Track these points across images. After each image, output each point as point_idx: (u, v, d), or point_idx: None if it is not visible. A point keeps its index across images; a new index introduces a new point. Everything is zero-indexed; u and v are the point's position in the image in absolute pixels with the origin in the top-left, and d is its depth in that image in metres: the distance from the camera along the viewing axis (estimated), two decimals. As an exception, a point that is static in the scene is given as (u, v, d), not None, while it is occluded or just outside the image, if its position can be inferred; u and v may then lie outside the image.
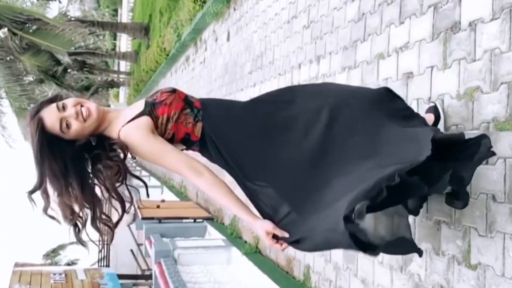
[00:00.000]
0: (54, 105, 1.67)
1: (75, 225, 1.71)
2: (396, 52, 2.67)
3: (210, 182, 1.71)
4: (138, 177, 1.89)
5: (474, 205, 2.02)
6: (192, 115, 1.78)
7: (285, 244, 1.69)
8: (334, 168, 1.66)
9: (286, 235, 1.67)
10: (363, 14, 3.06)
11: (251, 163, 1.77)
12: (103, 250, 20.68)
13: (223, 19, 7.16)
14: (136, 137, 1.70)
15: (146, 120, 1.72)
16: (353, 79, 3.12)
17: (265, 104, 1.88)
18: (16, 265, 4.87)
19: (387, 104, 1.85)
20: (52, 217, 1.69)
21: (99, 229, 1.72)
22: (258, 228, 1.71)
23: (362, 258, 2.96)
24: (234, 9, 6.56)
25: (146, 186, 1.95)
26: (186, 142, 1.83)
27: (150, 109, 1.74)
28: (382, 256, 2.74)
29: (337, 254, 3.28)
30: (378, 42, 2.87)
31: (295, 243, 1.66)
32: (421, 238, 2.39)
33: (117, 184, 1.72)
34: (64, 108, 1.67)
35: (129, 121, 1.72)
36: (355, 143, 1.68)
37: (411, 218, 2.43)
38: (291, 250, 4.08)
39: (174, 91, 1.79)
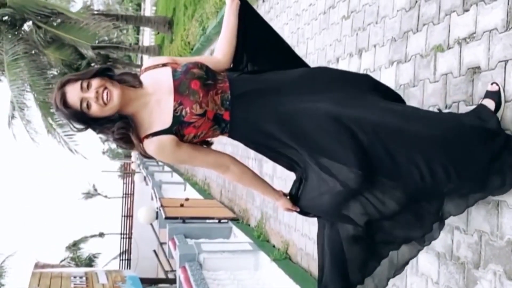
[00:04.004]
0: (79, 83, 1.64)
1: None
2: (458, 44, 2.34)
3: (236, 174, 1.85)
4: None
5: None
6: (219, 130, 1.78)
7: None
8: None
9: (298, 209, 1.94)
10: (416, 1, 2.73)
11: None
12: (124, 244, 20.74)
13: (251, 11, 6.86)
14: (159, 156, 1.74)
15: (170, 140, 1.69)
16: (404, 74, 2.79)
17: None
18: (36, 266, 4.68)
19: None
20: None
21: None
22: (280, 205, 1.96)
23: (412, 275, 2.64)
24: (263, 0, 6.26)
25: None
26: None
27: (177, 128, 1.69)
28: (437, 274, 2.43)
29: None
30: (435, 32, 2.54)
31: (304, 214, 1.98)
32: (489, 259, 2.07)
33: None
34: (88, 87, 1.64)
35: (153, 133, 1.69)
36: None
37: (475, 237, 2.12)
38: (326, 259, 3.78)
39: (204, 114, 1.69)
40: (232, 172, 1.84)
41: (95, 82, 1.64)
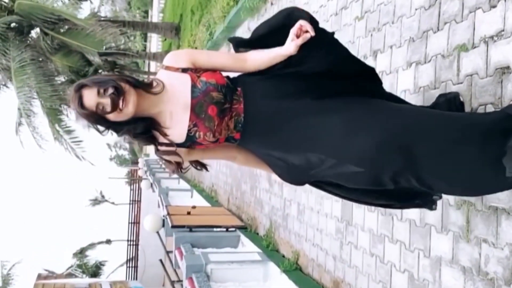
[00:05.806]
0: (96, 87, 1.66)
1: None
2: (485, 43, 2.18)
3: (242, 161, 1.98)
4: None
5: None
6: (229, 144, 1.87)
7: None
8: None
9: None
10: (436, -1, 2.58)
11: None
12: (131, 251, 20.62)
13: (259, 14, 6.74)
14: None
15: (182, 151, 1.77)
16: (423, 76, 2.63)
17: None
18: (39, 277, 4.53)
19: None
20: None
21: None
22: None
23: (434, 291, 2.47)
24: (272, 3, 6.14)
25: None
26: None
27: (189, 145, 1.76)
28: (463, 284, 2.26)
29: (400, 283, 2.80)
30: (458, 31, 2.38)
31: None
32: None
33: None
34: (105, 92, 1.65)
35: (167, 144, 1.74)
36: None
37: (506, 250, 1.95)
38: (339, 272, 3.61)
39: (216, 141, 1.77)
40: (239, 160, 1.98)
41: (111, 88, 1.65)
